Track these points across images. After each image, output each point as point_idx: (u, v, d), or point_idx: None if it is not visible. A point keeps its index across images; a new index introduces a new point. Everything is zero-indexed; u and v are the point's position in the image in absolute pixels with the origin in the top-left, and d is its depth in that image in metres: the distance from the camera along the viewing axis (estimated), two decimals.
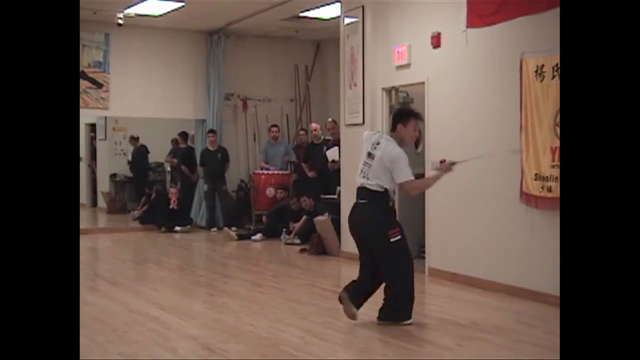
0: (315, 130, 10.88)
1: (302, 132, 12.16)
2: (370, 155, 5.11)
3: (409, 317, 5.24)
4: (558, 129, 5.91)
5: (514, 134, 6.36)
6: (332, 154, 9.81)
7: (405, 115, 5.18)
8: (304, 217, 9.86)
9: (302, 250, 9.32)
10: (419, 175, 7.96)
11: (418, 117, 5.24)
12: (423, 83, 7.61)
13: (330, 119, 10.63)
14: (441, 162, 7.31)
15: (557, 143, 5.92)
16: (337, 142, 9.62)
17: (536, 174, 6.14)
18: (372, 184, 5.05)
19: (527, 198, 6.25)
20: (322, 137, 10.73)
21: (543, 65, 6.06)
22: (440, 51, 7.37)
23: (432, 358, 4.64)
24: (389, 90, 8.29)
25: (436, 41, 7.38)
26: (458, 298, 6.46)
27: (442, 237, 7.38)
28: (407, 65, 7.83)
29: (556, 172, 5.90)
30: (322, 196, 9.88)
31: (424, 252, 7.81)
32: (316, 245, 9.13)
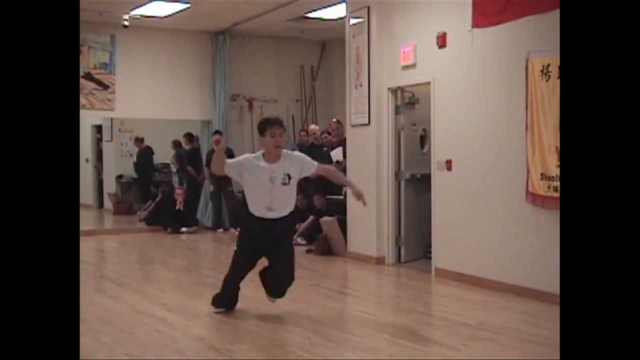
0: (314, 132, 10.86)
1: (302, 133, 12.18)
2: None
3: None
4: None
5: (520, 133, 6.35)
6: (336, 154, 9.80)
7: (260, 128, 5.41)
8: (310, 218, 9.86)
9: (309, 251, 9.32)
10: (425, 176, 7.98)
11: (273, 123, 5.37)
12: (429, 83, 7.60)
13: (334, 120, 10.62)
14: (447, 161, 7.33)
15: None
16: (342, 143, 9.62)
17: (542, 174, 6.13)
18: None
19: (533, 198, 6.23)
20: (321, 139, 10.71)
21: (549, 65, 6.05)
22: (445, 51, 7.36)
23: (438, 358, 4.63)
24: (394, 91, 8.28)
25: (442, 41, 7.37)
26: (464, 298, 6.44)
27: (448, 237, 7.37)
28: (413, 65, 7.83)
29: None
30: (327, 196, 9.87)
31: (430, 252, 7.80)
32: (322, 245, 9.12)
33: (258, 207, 5.36)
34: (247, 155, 5.45)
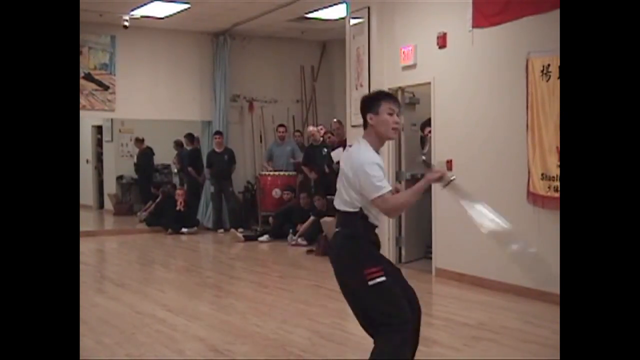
0: (313, 134, 10.86)
1: (297, 134, 12.19)
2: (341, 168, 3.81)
3: None
4: None
5: (521, 133, 6.35)
6: (337, 155, 9.80)
7: (372, 101, 3.69)
8: (311, 218, 9.86)
9: (309, 252, 9.32)
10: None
11: (389, 97, 3.75)
12: (429, 83, 7.60)
13: (335, 120, 10.64)
14: (447, 162, 7.33)
15: None
16: (342, 143, 9.62)
17: (543, 174, 6.13)
18: (342, 202, 3.65)
19: (533, 198, 6.23)
20: (321, 139, 10.72)
21: (549, 65, 6.05)
22: (446, 51, 7.36)
23: (439, 358, 4.63)
24: (395, 91, 8.27)
25: (442, 41, 7.37)
26: (465, 298, 6.44)
27: (449, 237, 7.36)
28: (413, 66, 7.83)
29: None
30: (328, 197, 9.88)
31: (430, 252, 7.80)
32: (323, 246, 9.12)
33: (377, 214, 3.72)
34: (373, 157, 3.61)
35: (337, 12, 10.07)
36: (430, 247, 7.79)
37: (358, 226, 3.60)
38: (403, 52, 7.93)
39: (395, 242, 8.36)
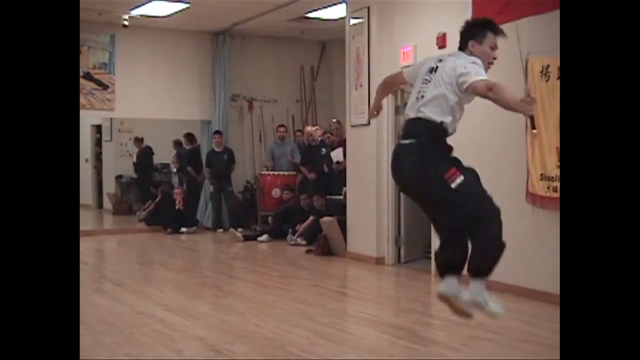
0: (311, 133, 10.86)
1: (298, 133, 12.19)
2: (432, 70, 3.70)
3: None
4: None
5: (520, 134, 6.35)
6: (336, 154, 9.81)
7: (478, 29, 3.68)
8: (310, 218, 9.86)
9: (308, 251, 9.32)
10: None
11: (497, 29, 3.75)
12: None
13: (334, 120, 10.65)
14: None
15: None
16: (342, 143, 9.63)
17: (542, 174, 6.13)
18: (427, 111, 3.61)
19: (533, 198, 6.24)
20: (320, 139, 10.73)
21: (548, 66, 6.06)
22: (446, 51, 7.35)
23: (438, 358, 4.63)
24: (394, 91, 8.28)
25: (442, 41, 7.37)
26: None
27: None
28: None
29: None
30: (327, 196, 9.89)
31: (429, 252, 7.80)
32: (322, 246, 9.13)
33: (454, 126, 3.90)
34: (478, 61, 3.70)
35: (336, 12, 10.07)
36: (430, 247, 7.79)
37: (438, 137, 3.63)
38: (403, 52, 7.93)
39: (395, 241, 8.37)
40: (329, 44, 13.00)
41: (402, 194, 8.32)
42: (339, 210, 9.20)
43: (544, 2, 6.09)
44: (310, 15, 10.76)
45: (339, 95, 11.66)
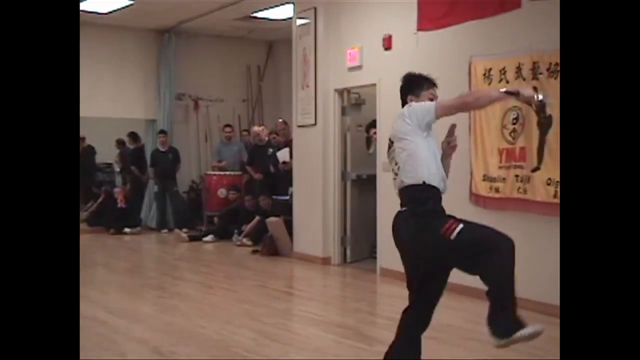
0: (258, 134, 10.82)
1: (245, 133, 12.14)
2: (390, 150, 3.80)
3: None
4: (505, 131, 6.03)
5: (464, 135, 6.45)
6: (283, 155, 9.81)
7: (415, 84, 3.73)
8: (257, 218, 9.83)
9: (254, 252, 9.29)
10: (371, 177, 8.05)
11: (431, 83, 3.77)
12: (375, 85, 7.67)
13: (280, 120, 10.63)
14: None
15: (504, 145, 6.04)
16: (288, 143, 9.63)
17: (484, 175, 6.25)
18: (405, 177, 3.58)
19: (476, 198, 6.35)
20: (266, 139, 10.70)
21: (491, 69, 6.18)
22: (391, 53, 7.44)
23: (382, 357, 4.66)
24: (341, 92, 8.32)
25: (387, 43, 7.44)
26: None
27: None
28: (359, 67, 7.88)
29: (503, 173, 6.02)
30: (273, 197, 9.87)
31: (375, 252, 7.87)
32: (268, 246, 9.11)
33: (438, 175, 3.71)
34: (415, 104, 3.66)
35: (283, 12, 10.05)
36: (376, 246, 7.86)
37: (426, 198, 3.53)
38: (349, 54, 7.98)
39: (341, 242, 8.41)
40: (275, 44, 12.98)
41: (348, 194, 8.37)
42: (285, 211, 9.20)
43: (486, 6, 6.20)
44: (257, 15, 10.72)
45: (285, 96, 11.65)
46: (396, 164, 3.62)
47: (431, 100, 3.63)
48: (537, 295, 5.49)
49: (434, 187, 3.53)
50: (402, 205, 3.63)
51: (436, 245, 3.44)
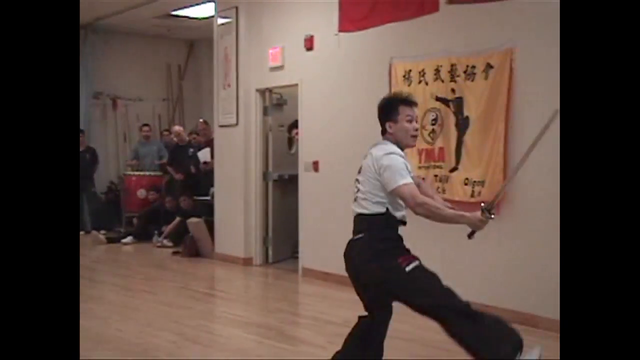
0: (179, 133, 10.68)
1: (166, 133, 11.97)
2: (359, 170, 3.63)
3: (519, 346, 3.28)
4: (424, 132, 6.15)
5: None
6: (204, 155, 9.71)
7: (390, 108, 3.56)
8: (177, 219, 9.69)
9: (175, 253, 9.16)
10: (293, 177, 8.07)
11: (406, 102, 3.58)
12: (296, 85, 7.69)
13: (201, 120, 10.52)
14: (314, 163, 7.44)
15: (424, 145, 6.16)
16: (209, 143, 9.53)
17: None
18: (367, 205, 3.48)
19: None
20: (187, 139, 10.58)
21: (410, 70, 6.29)
22: (313, 54, 7.47)
23: (305, 357, 4.68)
24: (262, 92, 8.30)
25: (309, 44, 7.47)
26: (330, 297, 6.56)
27: (315, 237, 7.47)
28: (281, 67, 7.88)
29: (423, 173, 6.14)
30: (195, 197, 9.76)
31: (297, 252, 7.88)
32: (189, 247, 9.00)
33: (403, 211, 3.54)
34: (399, 157, 3.44)
35: (204, 10, 9.95)
36: (297, 247, 7.88)
37: (386, 227, 3.45)
38: (271, 54, 7.97)
39: (263, 242, 8.39)
40: (196, 43, 12.83)
41: (270, 194, 8.36)
42: (207, 211, 9.11)
43: (406, 9, 6.31)
44: (176, 13, 10.56)
45: (207, 95, 11.54)
46: (358, 189, 3.54)
47: (409, 122, 3.50)
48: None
49: (395, 216, 3.46)
50: (356, 232, 3.55)
51: (389, 272, 3.39)
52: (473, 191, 5.70)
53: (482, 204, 3.31)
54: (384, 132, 3.59)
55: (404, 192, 3.31)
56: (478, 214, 3.28)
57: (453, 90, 5.91)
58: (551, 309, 5.31)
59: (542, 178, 5.34)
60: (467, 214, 3.32)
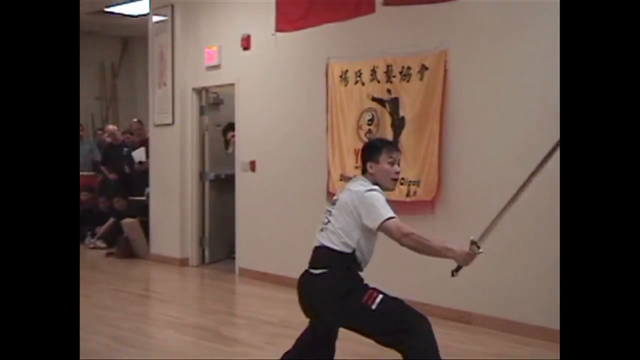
0: (112, 133, 10.48)
1: (99, 132, 11.74)
2: (333, 202, 3.63)
3: None
4: (361, 132, 6.21)
5: (321, 136, 6.58)
6: (138, 154, 9.54)
7: (374, 150, 3.62)
8: (111, 220, 9.50)
9: (109, 254, 8.98)
10: (230, 177, 8.02)
11: (390, 146, 3.71)
12: (233, 84, 7.64)
13: (135, 120, 10.33)
14: (251, 162, 7.42)
15: (360, 145, 6.20)
16: (144, 143, 9.38)
17: (341, 175, 6.39)
18: (335, 240, 3.44)
19: (332, 198, 6.47)
20: (121, 139, 10.40)
21: (347, 71, 6.34)
22: (250, 53, 7.44)
23: (242, 358, 4.66)
24: (199, 91, 8.23)
25: (246, 43, 7.44)
26: (267, 297, 6.55)
27: (252, 237, 7.45)
28: (218, 66, 7.83)
29: (358, 173, 6.18)
30: (129, 197, 9.58)
31: (234, 252, 7.84)
32: (123, 248, 8.84)
33: (367, 259, 3.55)
34: (380, 194, 3.46)
35: (139, 8, 9.78)
36: (234, 247, 7.84)
37: (350, 267, 3.41)
38: (207, 53, 7.91)
39: (199, 242, 8.31)
40: (131, 41, 12.62)
41: (207, 194, 8.29)
42: (142, 212, 8.96)
43: (342, 10, 6.34)
44: (110, 9, 10.35)
45: (141, 94, 11.35)
46: (328, 221, 3.50)
47: (391, 164, 3.55)
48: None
49: (357, 258, 3.44)
50: (318, 265, 3.48)
51: (354, 313, 3.34)
52: (409, 190, 5.79)
53: (472, 238, 3.28)
54: (364, 171, 3.62)
55: (389, 225, 3.32)
56: (466, 248, 3.26)
57: (389, 91, 5.98)
58: (486, 306, 5.44)
59: (474, 177, 5.47)
60: (454, 247, 3.29)
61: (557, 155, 2.95)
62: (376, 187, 3.48)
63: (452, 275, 3.43)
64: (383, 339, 3.34)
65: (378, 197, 3.40)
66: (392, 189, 3.69)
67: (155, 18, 8.49)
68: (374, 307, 3.29)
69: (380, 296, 3.31)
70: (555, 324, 4.99)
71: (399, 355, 3.26)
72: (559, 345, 4.87)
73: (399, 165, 3.60)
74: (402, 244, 3.35)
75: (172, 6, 8.21)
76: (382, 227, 3.33)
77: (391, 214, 3.35)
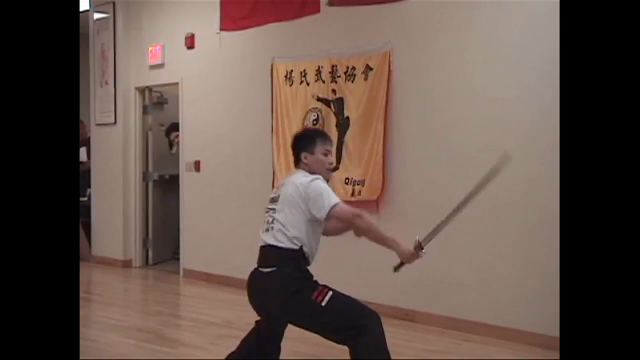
0: None
1: None
2: (274, 199, 3.55)
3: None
4: None
5: (266, 136, 6.56)
6: (80, 155, 9.35)
7: (308, 140, 3.60)
8: None
9: None
10: (174, 177, 7.93)
11: (325, 137, 3.67)
12: (177, 84, 7.56)
13: None
14: (196, 162, 7.35)
15: None
16: (85, 142, 9.19)
17: (287, 175, 6.38)
18: (282, 238, 3.40)
19: (272, 196, 6.46)
20: None
21: (292, 71, 6.33)
22: (194, 52, 7.37)
23: (186, 359, 4.61)
24: (142, 90, 8.11)
25: (190, 42, 7.37)
26: (212, 298, 6.50)
27: (197, 238, 7.38)
28: (162, 65, 7.73)
29: None
30: None
31: (179, 253, 7.76)
32: None
33: (315, 252, 3.53)
34: (322, 184, 3.43)
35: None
36: (179, 248, 7.75)
37: (299, 264, 3.37)
38: (151, 51, 7.80)
39: (143, 244, 8.20)
40: None
41: (150, 195, 8.18)
42: (83, 213, 8.78)
43: (286, 10, 6.35)
44: None
45: (82, 92, 11.11)
46: (273, 219, 3.46)
47: (325, 155, 3.54)
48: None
49: (305, 254, 3.42)
50: (266, 264, 3.45)
51: (305, 310, 3.32)
52: (354, 190, 5.82)
53: (417, 238, 3.30)
54: (297, 162, 3.60)
55: (338, 210, 3.32)
56: (411, 247, 3.28)
57: (334, 91, 6.00)
58: (429, 304, 5.51)
59: (418, 178, 5.53)
60: (401, 242, 3.30)
61: (556, 156, 2.92)
62: (319, 176, 3.46)
63: (395, 271, 3.45)
64: (334, 336, 3.33)
65: (323, 186, 3.39)
66: (328, 180, 3.65)
67: (97, 16, 8.34)
68: (324, 304, 3.27)
69: (331, 293, 3.30)
70: (497, 320, 5.09)
71: (343, 355, 3.27)
72: (500, 341, 4.98)
73: (332, 156, 3.62)
74: (354, 225, 3.37)
75: (114, 4, 8.08)
76: (332, 213, 3.32)
77: (337, 200, 3.34)
